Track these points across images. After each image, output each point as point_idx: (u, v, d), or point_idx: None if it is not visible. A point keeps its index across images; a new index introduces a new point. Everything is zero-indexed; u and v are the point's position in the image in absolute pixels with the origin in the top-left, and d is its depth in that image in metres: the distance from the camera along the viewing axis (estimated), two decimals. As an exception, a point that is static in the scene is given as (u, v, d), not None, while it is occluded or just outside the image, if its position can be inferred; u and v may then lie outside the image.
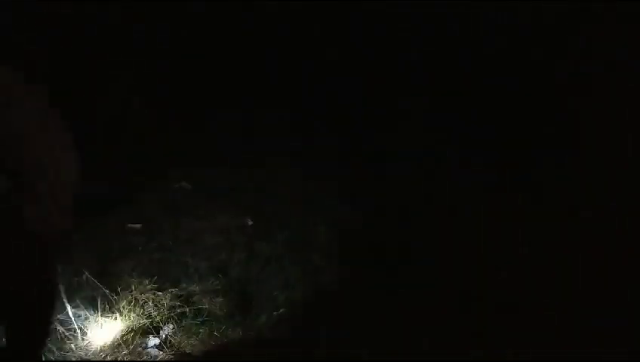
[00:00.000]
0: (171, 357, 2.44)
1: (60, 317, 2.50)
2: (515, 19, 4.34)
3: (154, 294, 2.74)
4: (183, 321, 2.61)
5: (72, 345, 2.45)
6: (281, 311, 2.69)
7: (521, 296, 2.71)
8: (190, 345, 2.49)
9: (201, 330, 2.57)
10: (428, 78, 4.42)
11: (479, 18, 4.39)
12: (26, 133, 1.75)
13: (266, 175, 3.88)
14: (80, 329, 2.50)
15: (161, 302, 2.70)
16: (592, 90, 4.02)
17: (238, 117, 4.35)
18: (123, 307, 2.63)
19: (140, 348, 2.45)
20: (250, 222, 3.39)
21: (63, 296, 2.48)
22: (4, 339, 2.07)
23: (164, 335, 2.53)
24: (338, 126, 4.33)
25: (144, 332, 2.54)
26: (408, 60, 4.52)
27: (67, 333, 2.48)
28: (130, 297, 2.70)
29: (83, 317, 2.55)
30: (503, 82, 4.26)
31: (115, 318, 2.57)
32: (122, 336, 2.50)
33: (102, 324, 2.54)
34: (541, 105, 4.22)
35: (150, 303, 2.68)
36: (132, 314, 2.60)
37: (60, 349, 2.42)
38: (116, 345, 2.47)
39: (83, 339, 2.47)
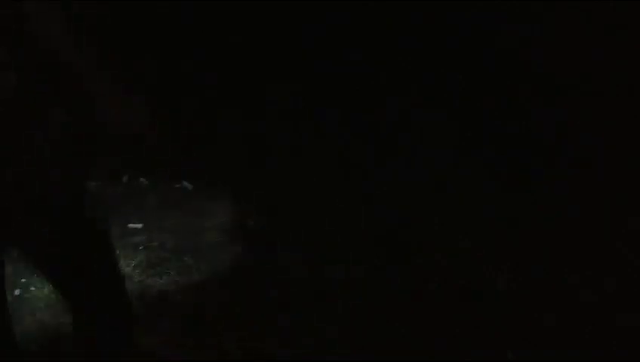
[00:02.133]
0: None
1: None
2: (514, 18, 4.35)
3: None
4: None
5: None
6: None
7: (523, 296, 2.72)
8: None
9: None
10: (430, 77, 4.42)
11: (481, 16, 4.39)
12: None
13: (268, 173, 3.89)
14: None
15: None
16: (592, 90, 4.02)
17: (238, 115, 4.35)
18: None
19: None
20: (250, 222, 3.40)
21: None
22: None
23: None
24: (341, 124, 4.34)
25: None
26: (410, 58, 4.52)
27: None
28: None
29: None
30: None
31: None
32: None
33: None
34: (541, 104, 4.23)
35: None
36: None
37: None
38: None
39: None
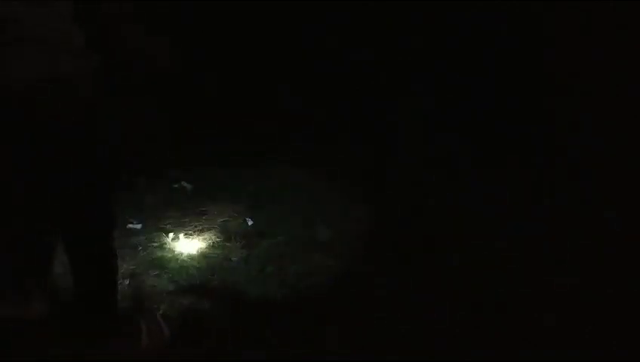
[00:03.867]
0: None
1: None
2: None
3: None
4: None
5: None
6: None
7: (523, 296, 2.72)
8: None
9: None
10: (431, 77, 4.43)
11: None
12: None
13: (267, 173, 3.89)
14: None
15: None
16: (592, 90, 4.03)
17: (238, 115, 4.35)
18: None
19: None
20: (251, 222, 3.39)
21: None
22: None
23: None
24: (341, 123, 4.34)
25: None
26: (410, 57, 4.53)
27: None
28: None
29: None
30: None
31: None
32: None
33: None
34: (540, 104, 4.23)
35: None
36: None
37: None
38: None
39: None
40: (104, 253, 2.28)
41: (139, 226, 3.30)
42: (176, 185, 3.76)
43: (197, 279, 2.90)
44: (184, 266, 2.99)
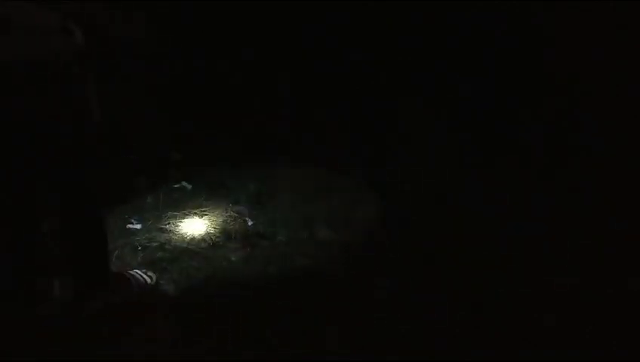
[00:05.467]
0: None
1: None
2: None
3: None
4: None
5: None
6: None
7: (523, 296, 2.72)
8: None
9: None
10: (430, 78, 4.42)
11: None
12: None
13: (267, 173, 3.89)
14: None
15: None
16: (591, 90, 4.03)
17: (238, 115, 4.35)
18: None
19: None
20: (251, 222, 3.40)
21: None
22: None
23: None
24: (340, 124, 4.33)
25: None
26: (410, 58, 4.52)
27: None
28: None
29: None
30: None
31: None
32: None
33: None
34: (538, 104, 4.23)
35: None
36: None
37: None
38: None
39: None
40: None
41: (139, 226, 3.30)
42: (176, 185, 3.76)
43: (197, 279, 2.90)
44: (184, 266, 2.99)
